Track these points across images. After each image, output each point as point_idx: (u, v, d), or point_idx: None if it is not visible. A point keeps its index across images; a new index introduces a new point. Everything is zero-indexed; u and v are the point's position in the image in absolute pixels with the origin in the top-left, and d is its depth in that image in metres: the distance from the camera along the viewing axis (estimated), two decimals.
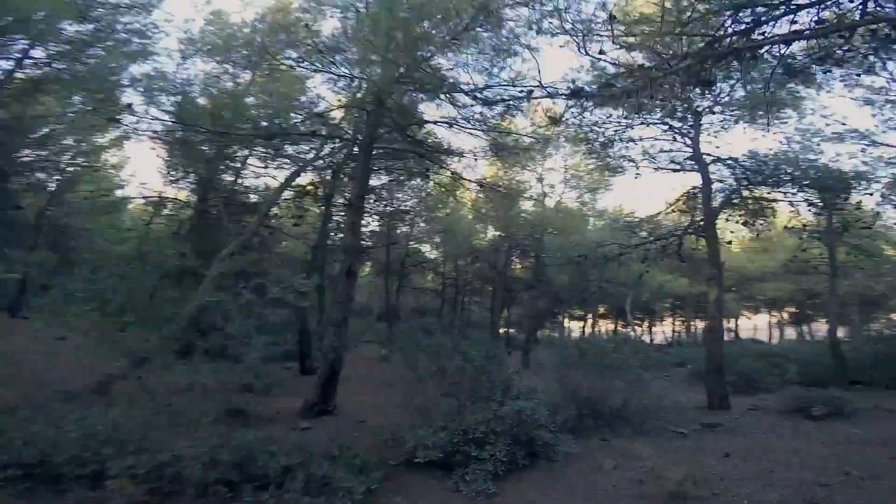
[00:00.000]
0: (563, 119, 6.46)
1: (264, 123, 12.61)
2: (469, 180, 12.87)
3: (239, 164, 17.67)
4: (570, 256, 15.54)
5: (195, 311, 7.85)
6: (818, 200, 14.42)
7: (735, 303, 36.84)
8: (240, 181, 18.33)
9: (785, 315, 41.01)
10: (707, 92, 8.17)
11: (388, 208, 21.04)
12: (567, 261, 15.87)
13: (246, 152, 16.85)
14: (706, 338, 12.49)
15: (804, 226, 13.87)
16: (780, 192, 13.75)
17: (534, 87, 6.38)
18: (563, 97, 6.13)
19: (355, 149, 11.73)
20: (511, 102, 8.25)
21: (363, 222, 21.35)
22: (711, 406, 11.08)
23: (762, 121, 14.00)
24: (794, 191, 13.72)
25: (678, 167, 13.53)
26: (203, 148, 16.16)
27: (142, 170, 47.07)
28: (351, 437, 7.67)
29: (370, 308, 32.63)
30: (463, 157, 12.73)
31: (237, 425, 8.25)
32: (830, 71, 9.11)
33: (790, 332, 42.42)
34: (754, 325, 44.56)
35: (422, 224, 25.38)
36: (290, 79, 14.54)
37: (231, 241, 9.68)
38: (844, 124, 14.99)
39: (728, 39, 6.60)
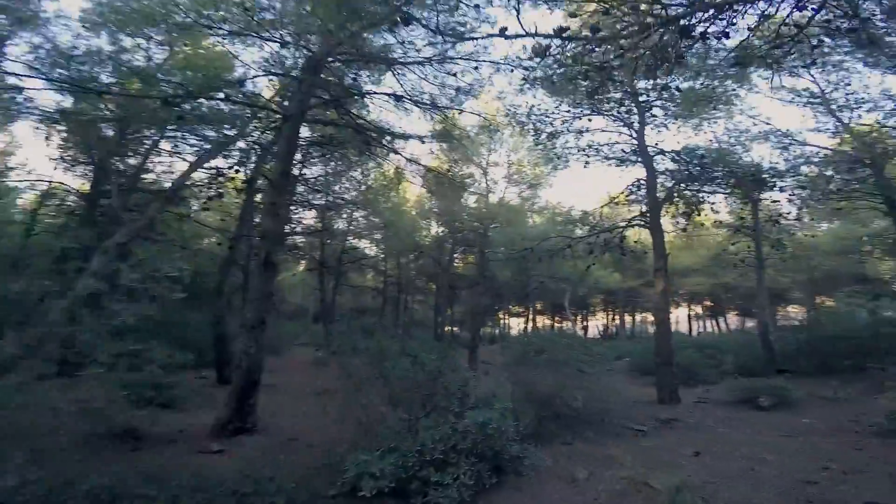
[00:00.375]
0: (549, 53, 5.54)
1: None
2: (413, 161, 11.74)
3: (145, 148, 15.34)
4: (516, 250, 14.91)
5: (63, 313, 6.05)
6: (749, 196, 14.95)
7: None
8: (147, 167, 15.94)
9: (701, 309, 43.89)
10: (676, 67, 7.68)
11: (324, 200, 19.35)
12: (513, 255, 15.22)
13: (156, 136, 14.59)
14: (655, 331, 12.28)
15: (741, 218, 14.21)
16: (714, 186, 14.00)
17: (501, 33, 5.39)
18: (545, 36, 5.21)
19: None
20: (481, 38, 7.22)
21: (294, 212, 19.53)
22: (662, 400, 10.82)
23: (697, 119, 14.26)
24: (727, 187, 14.07)
25: (625, 157, 13.31)
26: (102, 128, 13.77)
27: (38, 157, 41.00)
28: (275, 462, 6.30)
29: (306, 308, 30.50)
30: (408, 139, 11.60)
31: (126, 450, 6.62)
32: (779, 63, 9.04)
33: (707, 325, 45.54)
34: (676, 319, 47.30)
35: (361, 219, 23.87)
36: (215, 56, 12.66)
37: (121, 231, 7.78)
38: (769, 124, 15.78)
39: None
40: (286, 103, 10.85)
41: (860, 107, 14.01)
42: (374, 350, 5.96)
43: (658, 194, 12.79)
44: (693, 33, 6.21)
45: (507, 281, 23.85)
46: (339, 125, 10.16)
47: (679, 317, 47.10)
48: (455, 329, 45.84)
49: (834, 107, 14.32)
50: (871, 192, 13.80)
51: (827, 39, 8.18)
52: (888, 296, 25.92)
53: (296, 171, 16.49)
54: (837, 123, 14.56)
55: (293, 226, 19.48)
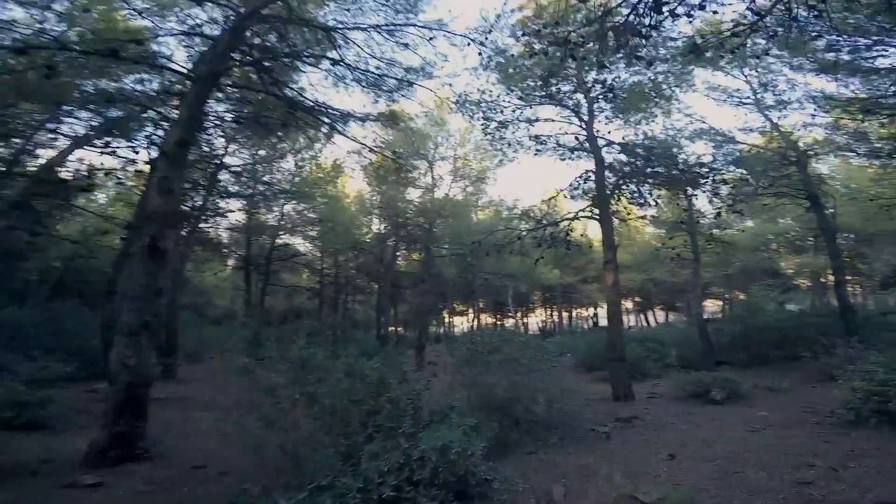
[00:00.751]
0: None
1: None
2: (354, 141, 10.43)
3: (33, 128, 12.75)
4: (465, 245, 14.06)
5: None
6: (687, 191, 15.14)
7: (597, 292, 39.89)
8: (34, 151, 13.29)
9: (631, 304, 45.85)
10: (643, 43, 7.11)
11: (251, 190, 17.37)
12: (460, 250, 14.34)
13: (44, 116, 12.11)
14: (607, 325, 11.84)
15: (685, 210, 14.28)
16: (658, 180, 13.92)
17: None
18: None
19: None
20: None
21: (217, 204, 17.30)
22: (617, 397, 10.34)
23: (640, 114, 14.16)
24: (670, 181, 14.07)
25: (575, 147, 12.85)
26: None
27: None
28: (170, 500, 4.87)
29: (235, 311, 27.90)
30: (347, 119, 10.28)
31: None
32: (734, 52, 8.83)
33: (635, 320, 47.71)
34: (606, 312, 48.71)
35: (294, 213, 21.93)
36: (126, 30, 10.60)
37: None
38: (704, 122, 16.15)
39: None
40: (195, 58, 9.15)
41: (786, 107, 14.67)
42: (295, 359, 4.69)
43: (606, 185, 12.47)
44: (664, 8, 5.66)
45: (452, 278, 23.02)
46: (262, 92, 8.64)
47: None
48: (400, 329, 44.61)
49: (764, 106, 14.90)
50: (796, 189, 14.43)
51: (780, 30, 8.03)
52: (792, 289, 28.15)
53: (212, 151, 14.51)
54: (766, 122, 15.17)
55: (214, 218, 17.32)
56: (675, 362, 14.33)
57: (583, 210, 12.86)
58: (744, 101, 15.17)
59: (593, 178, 12.49)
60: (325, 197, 21.62)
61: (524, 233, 13.21)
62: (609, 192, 12.38)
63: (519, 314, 46.61)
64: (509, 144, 13.32)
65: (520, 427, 7.08)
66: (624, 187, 12.90)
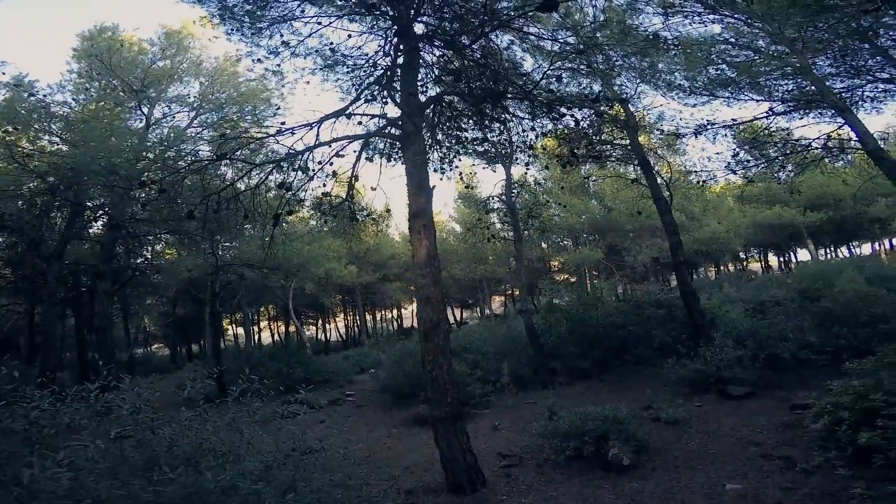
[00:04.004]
0: None
1: None
2: None
3: None
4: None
5: None
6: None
7: (400, 292, 35.37)
8: None
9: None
10: None
11: None
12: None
13: None
14: (420, 340, 6.01)
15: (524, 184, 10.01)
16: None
17: None
18: None
19: None
20: None
21: None
22: (456, 487, 4.80)
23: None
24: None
25: (370, 5, 6.96)
26: None
27: None
28: None
29: None
30: None
31: None
32: None
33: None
34: (411, 314, 44.87)
35: None
36: None
37: None
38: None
39: None
40: None
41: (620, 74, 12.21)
42: None
43: (422, 95, 7.13)
44: None
45: (193, 275, 14.60)
46: None
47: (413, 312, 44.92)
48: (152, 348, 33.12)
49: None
50: (629, 154, 11.88)
51: None
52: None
53: None
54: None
55: None
56: (508, 379, 9.82)
57: (383, 127, 7.23)
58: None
59: (399, 74, 6.94)
60: None
61: (268, 166, 6.77)
62: (427, 101, 7.07)
63: (319, 321, 38.87)
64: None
65: None
66: (446, 103, 7.77)
